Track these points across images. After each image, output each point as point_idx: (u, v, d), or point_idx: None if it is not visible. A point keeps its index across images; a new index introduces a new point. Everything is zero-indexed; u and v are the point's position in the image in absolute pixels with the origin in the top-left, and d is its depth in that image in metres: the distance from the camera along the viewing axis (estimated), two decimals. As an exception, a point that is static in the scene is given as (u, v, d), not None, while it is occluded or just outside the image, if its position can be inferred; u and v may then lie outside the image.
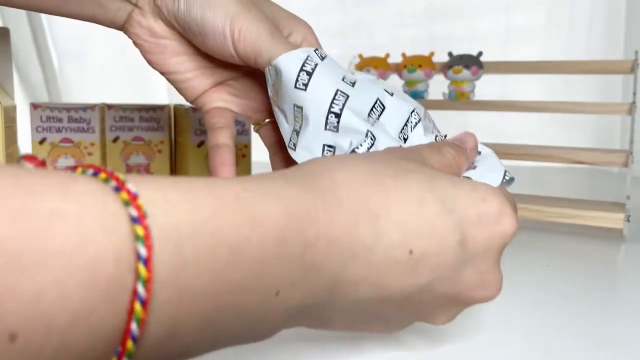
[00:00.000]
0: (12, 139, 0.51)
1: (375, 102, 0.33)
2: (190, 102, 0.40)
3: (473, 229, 0.25)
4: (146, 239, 0.16)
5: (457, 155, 0.31)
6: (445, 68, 0.70)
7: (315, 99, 0.32)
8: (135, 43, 0.38)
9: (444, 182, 0.26)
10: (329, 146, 0.33)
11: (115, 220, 0.16)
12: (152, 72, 0.40)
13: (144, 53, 0.38)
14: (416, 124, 0.34)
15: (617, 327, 0.35)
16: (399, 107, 0.34)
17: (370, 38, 1.25)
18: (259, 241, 0.19)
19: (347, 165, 0.25)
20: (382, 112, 0.34)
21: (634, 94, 0.58)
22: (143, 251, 0.16)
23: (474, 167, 0.33)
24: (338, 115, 0.32)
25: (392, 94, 0.35)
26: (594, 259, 0.52)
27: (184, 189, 0.18)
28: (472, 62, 0.69)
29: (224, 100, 0.40)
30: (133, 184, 0.17)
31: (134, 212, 0.16)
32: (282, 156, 0.40)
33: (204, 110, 0.40)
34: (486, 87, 0.75)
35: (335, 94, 0.32)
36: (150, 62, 0.39)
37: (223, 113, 0.39)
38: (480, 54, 0.69)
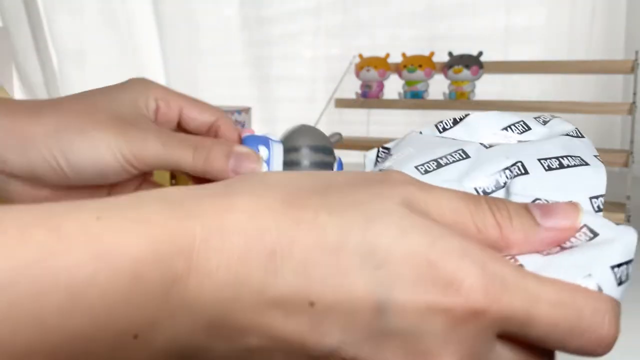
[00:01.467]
0: (11, 139, 0.51)
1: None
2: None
3: (402, 293, 0.19)
4: None
5: (512, 226, 0.20)
6: (446, 68, 0.70)
7: None
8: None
9: (385, 231, 0.19)
10: None
11: None
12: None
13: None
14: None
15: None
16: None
17: (370, 38, 1.25)
18: (107, 279, 0.17)
19: (260, 187, 0.20)
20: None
21: (634, 93, 0.58)
22: None
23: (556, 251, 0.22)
24: None
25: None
26: (594, 259, 0.51)
27: (26, 221, 0.16)
28: (472, 62, 0.68)
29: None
30: None
31: None
32: None
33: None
34: (486, 86, 0.75)
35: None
36: None
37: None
38: (480, 53, 0.69)
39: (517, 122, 0.26)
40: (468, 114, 0.27)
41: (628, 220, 0.56)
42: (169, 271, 0.18)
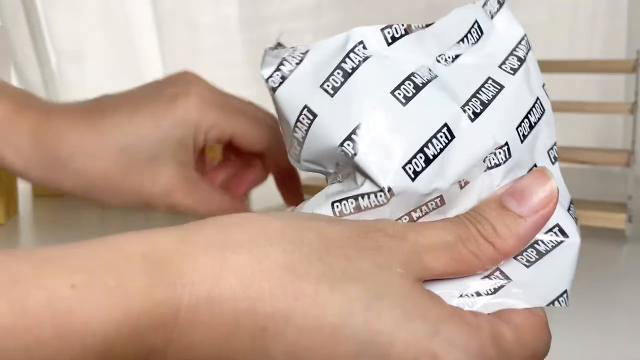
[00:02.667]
0: (8, 139, 0.50)
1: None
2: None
3: None
4: None
5: (500, 238, 0.21)
6: (446, 67, 0.69)
7: None
8: None
9: (389, 315, 0.18)
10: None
11: None
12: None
13: None
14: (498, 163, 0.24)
15: (619, 328, 0.35)
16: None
17: (371, 37, 1.24)
18: (72, 358, 0.16)
19: (260, 239, 0.19)
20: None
21: (636, 93, 0.58)
22: None
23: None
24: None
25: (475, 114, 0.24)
26: (595, 259, 0.51)
27: None
28: (472, 62, 0.68)
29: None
30: None
31: None
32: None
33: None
34: (487, 86, 0.74)
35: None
36: None
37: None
38: (481, 53, 0.69)
39: (472, 28, 0.27)
40: (429, 24, 0.27)
41: (630, 221, 0.55)
42: (145, 344, 0.17)
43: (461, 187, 0.24)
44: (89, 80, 1.33)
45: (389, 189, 0.23)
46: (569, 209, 0.25)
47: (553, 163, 0.28)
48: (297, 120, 0.25)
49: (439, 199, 0.24)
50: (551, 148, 0.29)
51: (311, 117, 0.24)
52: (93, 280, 0.16)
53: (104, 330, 0.16)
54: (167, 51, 1.27)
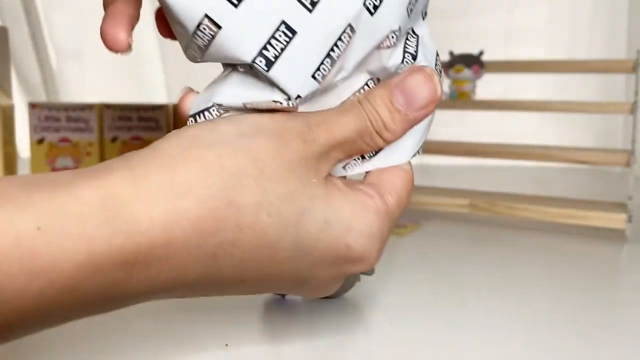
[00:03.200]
0: (10, 138, 0.51)
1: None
2: None
3: (322, 272, 0.25)
4: None
5: (387, 131, 0.26)
6: (447, 67, 0.69)
7: None
8: None
9: (312, 224, 0.23)
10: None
11: None
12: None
13: None
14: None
15: (620, 328, 0.35)
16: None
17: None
18: (40, 291, 0.17)
19: (205, 177, 0.21)
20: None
21: (636, 93, 0.57)
22: None
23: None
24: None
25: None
26: (595, 259, 0.51)
27: None
28: (473, 62, 0.68)
29: None
30: None
31: None
32: None
33: None
34: (488, 86, 0.74)
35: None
36: None
37: None
38: (481, 53, 0.69)
39: None
40: None
41: (630, 221, 0.55)
42: (108, 280, 0.19)
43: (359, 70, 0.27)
44: (89, 80, 1.33)
45: (298, 97, 0.25)
46: (435, 64, 0.29)
47: (423, 19, 0.31)
48: (197, 28, 0.24)
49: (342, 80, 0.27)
50: (425, 7, 0.30)
51: (214, 29, 0.24)
52: (57, 225, 0.18)
53: (69, 270, 0.18)
54: (167, 50, 1.28)
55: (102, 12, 0.29)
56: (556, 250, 0.54)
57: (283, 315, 0.35)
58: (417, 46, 0.28)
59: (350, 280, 0.37)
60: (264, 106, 0.25)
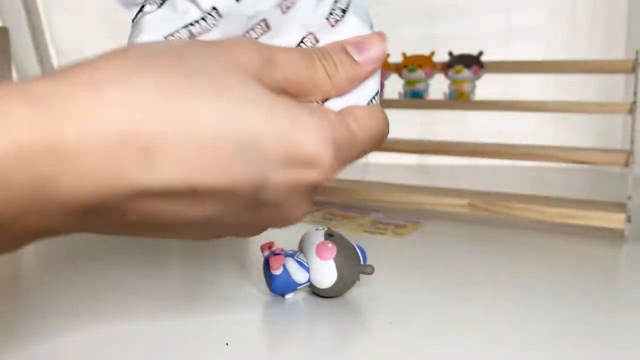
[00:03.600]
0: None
1: None
2: None
3: (276, 174, 0.23)
4: None
5: (339, 74, 0.25)
6: (446, 68, 0.70)
7: None
8: None
9: (256, 115, 0.22)
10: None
11: None
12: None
13: None
14: None
15: (619, 328, 0.35)
16: None
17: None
18: None
19: (131, 69, 0.21)
20: None
21: (635, 93, 0.58)
22: None
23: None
24: None
25: None
26: (594, 259, 0.51)
27: None
28: (472, 62, 0.68)
29: None
30: None
31: None
32: None
33: None
34: (487, 86, 0.74)
35: None
36: None
37: None
38: (481, 53, 0.69)
39: None
40: None
41: (629, 221, 0.55)
42: (37, 172, 0.18)
43: (283, 12, 0.25)
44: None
45: (214, 8, 0.24)
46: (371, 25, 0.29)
47: None
48: None
49: (264, 23, 0.25)
50: None
51: None
52: None
53: None
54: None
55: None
56: (555, 250, 0.54)
57: (283, 315, 0.35)
58: (348, 3, 0.27)
59: (350, 280, 0.37)
60: (185, 34, 0.24)
